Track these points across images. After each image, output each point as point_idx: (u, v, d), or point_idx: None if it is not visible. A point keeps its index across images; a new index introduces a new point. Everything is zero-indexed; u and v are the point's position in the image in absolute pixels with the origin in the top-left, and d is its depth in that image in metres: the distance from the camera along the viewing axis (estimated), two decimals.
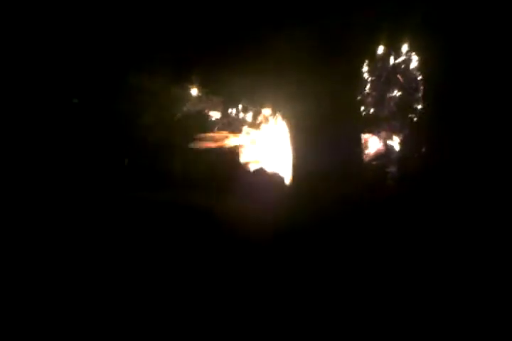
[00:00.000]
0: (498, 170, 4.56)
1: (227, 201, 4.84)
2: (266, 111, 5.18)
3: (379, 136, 5.03)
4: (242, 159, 5.13)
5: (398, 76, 4.86)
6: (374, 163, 5.00)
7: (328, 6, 4.59)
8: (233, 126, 5.22)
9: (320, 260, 4.54)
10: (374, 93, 4.95)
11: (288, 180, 5.03)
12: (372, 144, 5.04)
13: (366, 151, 5.01)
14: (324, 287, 4.25)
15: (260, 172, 5.11)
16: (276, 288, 4.19)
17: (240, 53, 4.71)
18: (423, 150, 4.83)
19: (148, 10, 4.63)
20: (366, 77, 4.95)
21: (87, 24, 4.62)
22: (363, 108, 4.96)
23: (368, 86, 4.96)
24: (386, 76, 4.94)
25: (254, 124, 5.21)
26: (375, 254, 4.55)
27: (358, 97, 4.93)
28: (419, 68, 4.91)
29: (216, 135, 5.14)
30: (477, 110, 4.73)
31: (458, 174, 4.71)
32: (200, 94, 5.21)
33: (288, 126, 4.96)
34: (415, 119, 4.89)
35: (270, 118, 5.16)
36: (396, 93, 4.93)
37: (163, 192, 4.80)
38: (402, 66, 4.92)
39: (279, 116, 5.05)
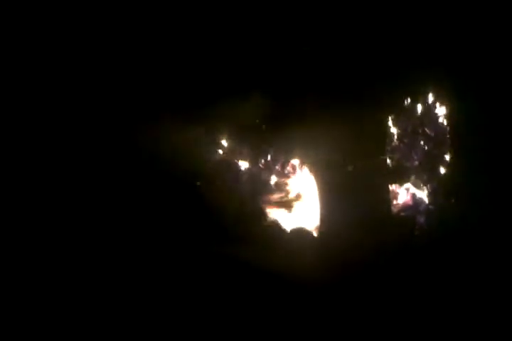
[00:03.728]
0: None
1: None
2: (295, 161, 5.27)
3: (406, 188, 5.07)
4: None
5: (425, 129, 4.91)
6: (402, 214, 5.03)
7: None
8: (262, 176, 5.30)
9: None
10: (401, 145, 5.00)
11: (317, 230, 5.08)
12: (400, 195, 5.08)
13: (394, 202, 5.05)
14: None
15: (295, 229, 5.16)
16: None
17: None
18: (452, 201, 4.85)
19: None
20: (393, 129, 5.00)
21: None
22: (390, 159, 5.01)
23: (395, 137, 5.02)
24: (413, 128, 5.00)
25: (282, 175, 5.30)
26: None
27: (385, 149, 4.98)
28: (445, 119, 4.97)
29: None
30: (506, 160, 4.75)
31: (489, 225, 4.71)
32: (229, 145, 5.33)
33: (315, 178, 5.02)
34: (443, 171, 4.93)
35: (298, 169, 5.24)
36: (423, 144, 4.97)
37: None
38: (429, 117, 4.97)
39: (306, 168, 5.13)
